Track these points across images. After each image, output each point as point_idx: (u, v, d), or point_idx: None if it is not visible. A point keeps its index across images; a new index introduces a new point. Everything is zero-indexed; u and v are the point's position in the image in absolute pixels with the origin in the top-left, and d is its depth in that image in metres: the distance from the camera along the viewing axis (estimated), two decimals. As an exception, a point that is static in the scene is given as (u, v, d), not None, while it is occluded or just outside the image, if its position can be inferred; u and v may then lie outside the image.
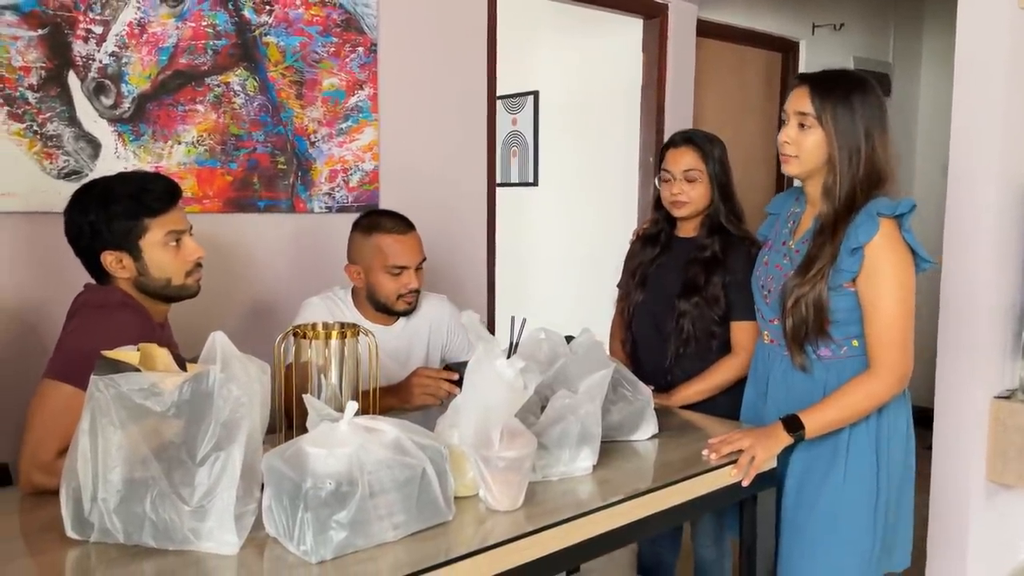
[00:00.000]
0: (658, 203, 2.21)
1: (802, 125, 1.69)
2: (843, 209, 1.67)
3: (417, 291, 2.02)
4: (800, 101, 1.70)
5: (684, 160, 2.09)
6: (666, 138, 2.27)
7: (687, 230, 2.16)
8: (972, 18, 2.59)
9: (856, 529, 1.70)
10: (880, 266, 1.62)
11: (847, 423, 1.68)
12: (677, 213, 2.12)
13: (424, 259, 2.03)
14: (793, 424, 1.65)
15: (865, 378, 1.66)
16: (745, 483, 1.62)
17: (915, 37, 4.83)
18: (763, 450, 1.63)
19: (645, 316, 2.16)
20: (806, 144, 1.69)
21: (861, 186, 1.67)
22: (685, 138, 2.15)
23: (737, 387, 2.10)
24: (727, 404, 2.06)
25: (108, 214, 1.56)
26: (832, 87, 1.69)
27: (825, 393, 1.71)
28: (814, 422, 1.65)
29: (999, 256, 2.62)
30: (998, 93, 2.55)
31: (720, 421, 1.93)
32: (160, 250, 1.59)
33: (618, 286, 2.30)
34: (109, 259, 1.57)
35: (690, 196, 2.08)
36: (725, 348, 2.09)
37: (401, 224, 2.01)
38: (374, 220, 2.02)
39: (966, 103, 2.61)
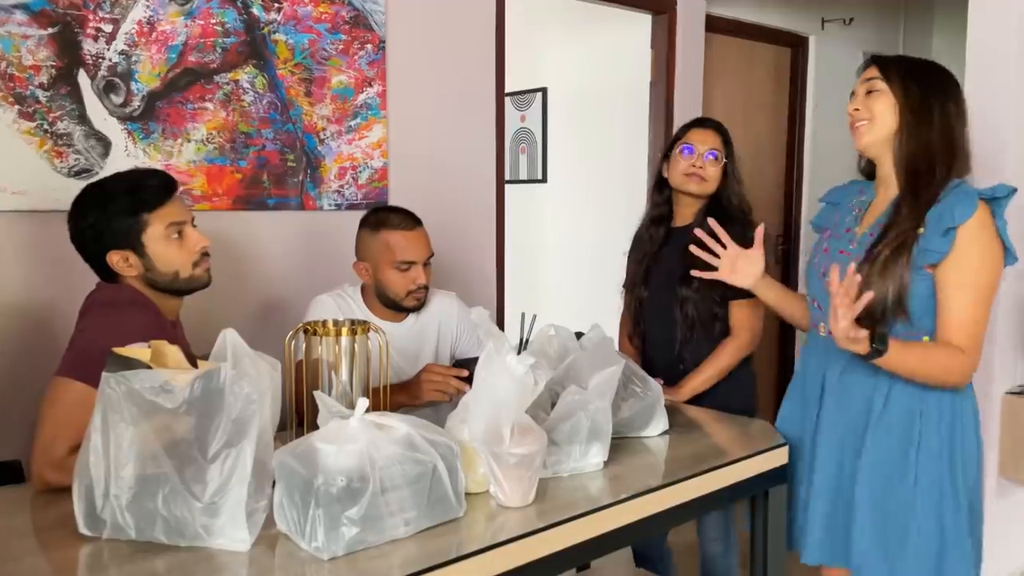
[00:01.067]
0: (659, 185, 2.23)
1: (870, 92, 1.63)
2: (924, 176, 1.57)
3: (426, 287, 2.02)
4: (868, 72, 1.65)
5: (709, 139, 2.15)
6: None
7: (685, 216, 2.18)
8: (983, 13, 2.57)
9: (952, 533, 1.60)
10: (972, 250, 1.51)
11: (916, 377, 1.55)
12: (689, 188, 2.13)
13: (432, 255, 2.03)
14: (881, 340, 1.49)
15: (954, 348, 1.53)
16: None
17: (925, 32, 4.80)
18: (851, 331, 1.45)
19: (652, 309, 2.20)
20: (876, 107, 1.61)
21: (939, 152, 1.58)
22: (709, 121, 2.22)
23: (749, 374, 2.15)
24: (728, 391, 2.10)
25: (107, 214, 1.56)
26: (900, 60, 1.66)
27: (887, 398, 1.60)
28: (899, 352, 1.50)
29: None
30: (1010, 87, 2.54)
31: (727, 416, 1.93)
32: (163, 244, 1.59)
33: (624, 286, 2.32)
34: (115, 259, 1.57)
35: (709, 174, 2.13)
36: (727, 331, 2.11)
37: (409, 220, 2.01)
38: (381, 216, 2.02)
39: (978, 97, 2.59)
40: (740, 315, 2.09)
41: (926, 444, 1.59)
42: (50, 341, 1.98)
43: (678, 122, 3.46)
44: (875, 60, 1.67)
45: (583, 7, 3.50)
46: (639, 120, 3.67)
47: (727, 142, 2.17)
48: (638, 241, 2.28)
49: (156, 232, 1.58)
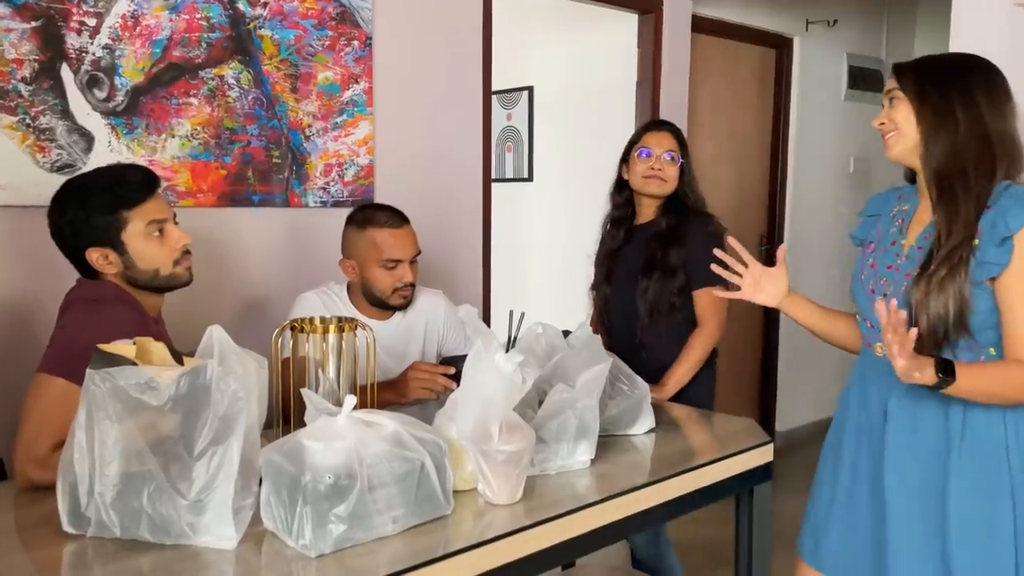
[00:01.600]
0: (619, 187, 2.32)
1: (891, 100, 1.56)
2: (956, 180, 1.47)
3: (412, 285, 2.01)
4: (889, 82, 1.59)
5: (666, 141, 2.23)
6: None
7: (646, 215, 2.27)
8: (966, 15, 2.60)
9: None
10: None
11: (989, 400, 1.44)
12: (650, 190, 2.22)
13: (419, 252, 2.03)
14: (946, 368, 1.39)
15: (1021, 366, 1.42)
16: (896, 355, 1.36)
17: (908, 34, 4.85)
18: (913, 366, 1.37)
19: (616, 304, 2.27)
20: (897, 117, 1.53)
21: (970, 152, 1.47)
22: (663, 123, 2.31)
23: (711, 363, 2.22)
24: (706, 382, 2.19)
25: (86, 211, 1.54)
26: (917, 62, 1.58)
27: (965, 414, 1.47)
28: (967, 378, 1.40)
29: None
30: (992, 89, 2.56)
31: (712, 415, 1.95)
32: (143, 241, 1.57)
33: (591, 288, 2.41)
34: (95, 256, 1.55)
35: (668, 175, 2.20)
36: (688, 320, 2.18)
37: (395, 217, 2.01)
38: (368, 214, 2.01)
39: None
40: (704, 303, 2.15)
41: (1017, 460, 1.46)
42: (31, 337, 1.96)
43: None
44: (894, 67, 1.59)
45: (570, 6, 3.50)
46: (625, 119, 3.67)
47: (682, 143, 2.25)
48: (602, 243, 2.37)
49: (136, 229, 1.56)
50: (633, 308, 2.18)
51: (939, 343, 1.45)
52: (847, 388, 1.67)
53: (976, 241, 1.43)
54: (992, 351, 1.46)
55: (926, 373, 1.37)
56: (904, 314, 1.36)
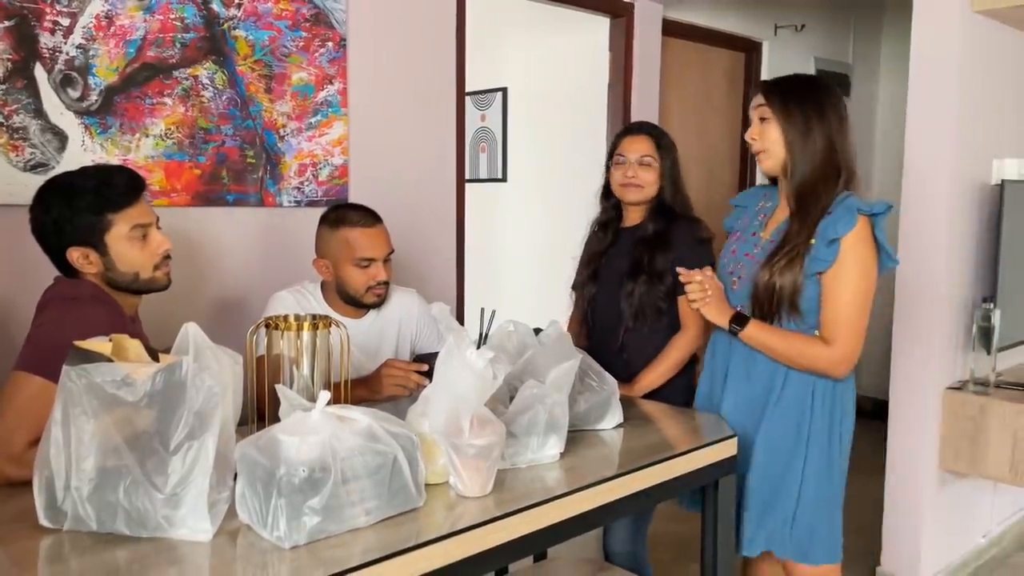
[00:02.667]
0: (606, 192, 2.32)
1: (762, 119, 1.84)
2: (809, 196, 1.78)
3: (386, 283, 2.04)
4: (757, 99, 1.85)
5: (640, 146, 2.22)
6: None
7: (633, 218, 2.27)
8: (926, 20, 2.67)
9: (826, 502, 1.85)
10: (849, 259, 1.73)
11: (776, 357, 1.82)
12: (628, 198, 2.23)
13: (392, 251, 2.05)
14: (740, 319, 1.82)
15: (820, 341, 1.78)
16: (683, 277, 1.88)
17: (874, 39, 4.95)
18: (711, 307, 1.85)
19: (600, 306, 2.27)
20: (769, 136, 1.82)
21: (820, 173, 1.78)
22: (639, 127, 2.30)
23: (690, 367, 2.23)
24: (684, 385, 2.20)
25: (71, 210, 1.54)
26: (782, 83, 1.86)
27: (786, 378, 1.83)
28: (757, 330, 1.81)
29: (952, 251, 2.71)
30: (951, 93, 2.64)
31: (679, 410, 1.99)
32: (126, 244, 1.58)
33: (572, 287, 2.39)
34: (75, 255, 1.57)
35: (644, 180, 2.20)
36: (673, 324, 2.19)
37: (368, 217, 2.03)
38: (341, 213, 2.04)
39: (921, 103, 2.70)
40: (688, 308, 2.15)
41: (816, 422, 1.82)
42: (5, 335, 1.96)
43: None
44: (763, 86, 1.86)
45: (543, 9, 3.55)
46: (597, 121, 3.72)
47: (660, 144, 2.23)
48: (588, 244, 2.37)
49: (120, 233, 1.57)
50: (617, 311, 2.19)
51: (771, 318, 1.80)
52: (706, 350, 2.04)
53: (813, 241, 1.75)
54: (816, 334, 1.79)
55: (725, 315, 1.83)
56: (695, 274, 1.86)
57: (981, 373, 2.77)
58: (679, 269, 1.92)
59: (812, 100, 1.80)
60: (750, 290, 1.83)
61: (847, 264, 1.73)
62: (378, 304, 2.07)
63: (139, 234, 1.60)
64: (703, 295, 1.85)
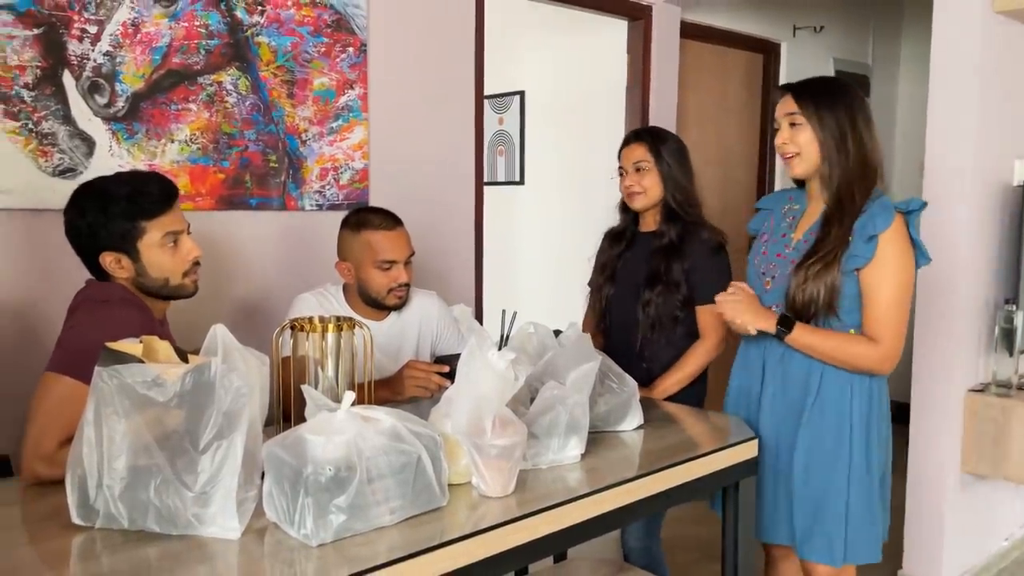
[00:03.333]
0: (624, 206, 2.36)
1: (793, 124, 1.84)
2: (846, 198, 1.79)
3: (407, 285, 2.06)
4: (786, 104, 1.85)
5: (634, 154, 2.26)
6: None
7: (648, 224, 2.30)
8: (947, 20, 2.66)
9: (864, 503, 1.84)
10: (888, 255, 1.75)
11: (823, 358, 1.81)
12: (634, 205, 2.26)
13: (413, 253, 2.08)
14: (786, 322, 1.80)
15: (865, 339, 1.78)
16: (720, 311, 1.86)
17: (894, 39, 4.92)
18: (747, 316, 1.81)
19: (616, 307, 2.29)
20: (801, 140, 1.83)
21: (856, 174, 1.80)
22: (635, 135, 2.33)
23: (703, 376, 2.25)
24: (696, 393, 2.21)
25: (106, 216, 1.57)
26: (811, 86, 1.86)
27: (822, 376, 1.82)
28: (803, 333, 1.79)
29: (974, 253, 2.69)
30: (972, 94, 2.63)
31: (700, 412, 2.01)
32: (158, 251, 1.61)
33: (588, 284, 2.42)
34: (108, 260, 1.60)
35: (642, 185, 2.23)
36: (690, 332, 2.20)
37: (389, 220, 2.05)
38: (362, 217, 2.06)
39: (942, 104, 2.68)
40: (707, 318, 2.17)
41: (856, 421, 1.82)
42: (35, 337, 2.00)
43: (653, 124, 3.54)
44: (790, 90, 1.87)
45: (561, 13, 3.56)
46: (615, 123, 3.73)
47: (655, 148, 2.24)
48: (606, 244, 2.39)
49: (152, 240, 1.60)
50: (633, 317, 2.20)
51: (809, 319, 1.80)
52: (736, 356, 2.01)
53: (850, 238, 1.76)
54: (853, 332, 1.80)
55: (767, 321, 1.80)
56: (743, 286, 1.86)
57: (1003, 375, 2.75)
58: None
59: (843, 102, 1.81)
60: (784, 290, 1.83)
61: (887, 261, 1.74)
62: (399, 306, 2.09)
63: (171, 241, 1.63)
64: (735, 309, 1.83)
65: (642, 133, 2.33)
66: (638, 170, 2.23)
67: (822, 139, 1.80)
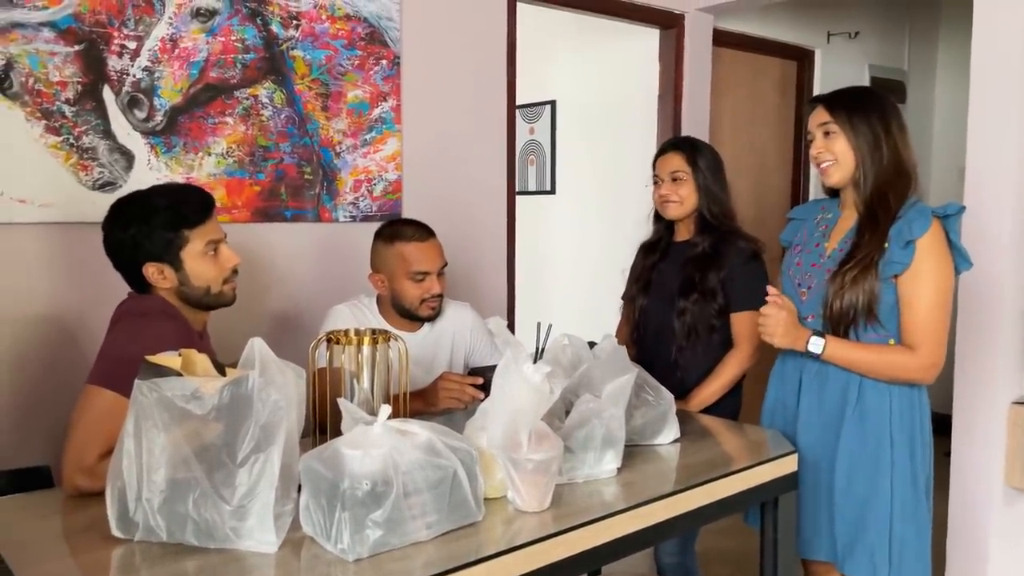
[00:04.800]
0: (657, 215, 2.35)
1: (827, 134, 1.83)
2: (880, 204, 1.78)
3: (440, 296, 2.06)
4: (819, 115, 1.85)
5: (670, 164, 2.24)
6: None
7: (682, 234, 2.28)
8: (988, 25, 2.61)
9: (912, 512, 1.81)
10: (926, 261, 1.72)
11: (863, 372, 1.78)
12: (668, 214, 2.25)
13: (445, 264, 2.08)
14: (816, 341, 1.76)
15: (904, 349, 1.75)
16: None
17: (931, 45, 4.85)
18: (785, 340, 1.77)
19: (651, 317, 2.28)
20: (837, 149, 1.82)
21: (891, 180, 1.78)
22: (671, 144, 2.32)
23: (738, 385, 2.22)
24: (732, 403, 2.20)
25: (149, 227, 1.59)
26: (844, 97, 1.86)
27: (860, 386, 1.79)
28: (837, 348, 1.76)
29: (1017, 261, 2.63)
30: (1015, 98, 2.57)
31: (737, 425, 1.97)
32: (200, 260, 1.63)
33: (623, 297, 2.41)
34: (151, 271, 1.62)
35: (679, 195, 2.22)
36: (726, 341, 2.18)
37: (421, 231, 2.06)
38: (395, 229, 2.07)
39: (983, 108, 2.63)
40: (742, 326, 2.15)
41: (897, 432, 1.78)
42: (75, 350, 2.03)
43: (686, 133, 3.52)
44: (821, 101, 1.86)
45: (592, 22, 3.55)
46: (647, 133, 3.71)
47: (692, 158, 2.22)
48: (640, 256, 2.38)
49: (195, 248, 1.63)
50: (668, 327, 2.19)
51: (847, 327, 1.77)
52: (772, 369, 1.98)
53: (886, 245, 1.74)
54: (892, 343, 1.77)
55: (799, 339, 1.77)
56: (781, 299, 1.79)
57: (1046, 387, 2.68)
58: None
59: (875, 109, 1.81)
60: (822, 299, 1.81)
61: (925, 267, 1.72)
62: (433, 317, 2.09)
63: (211, 250, 1.65)
64: (773, 327, 1.78)
65: (679, 143, 2.31)
66: (674, 180, 2.22)
67: (856, 145, 1.79)
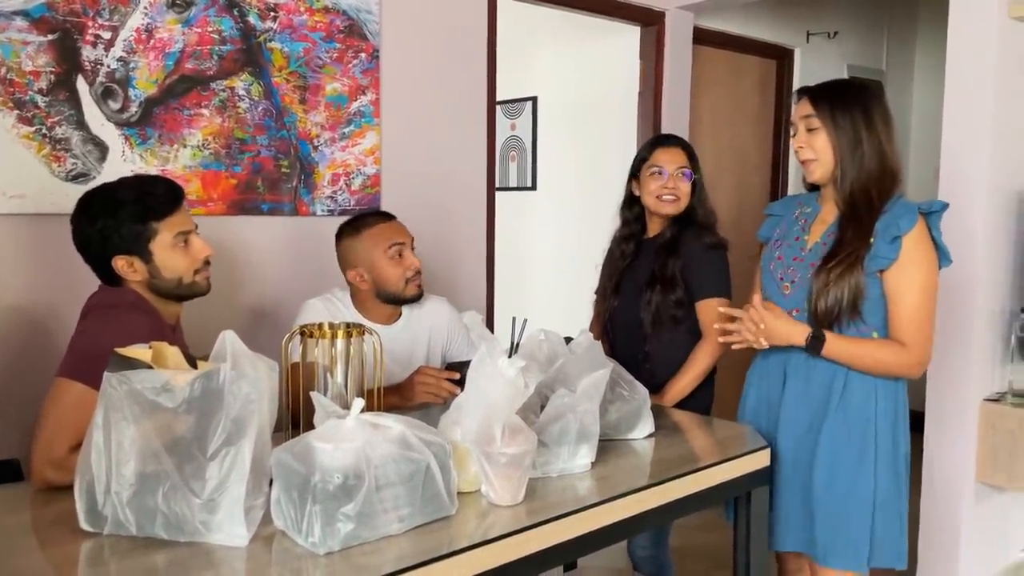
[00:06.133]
0: (629, 203, 2.31)
1: (810, 129, 1.81)
2: (862, 201, 1.77)
3: (420, 272, 2.06)
4: (802, 108, 1.83)
5: (677, 158, 2.22)
6: None
7: (656, 229, 2.27)
8: (963, 27, 2.64)
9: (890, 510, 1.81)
10: (913, 257, 1.73)
11: (853, 366, 1.77)
12: (666, 210, 2.21)
13: (413, 239, 2.09)
14: (815, 339, 1.75)
15: (895, 344, 1.75)
16: (728, 340, 1.84)
17: (908, 45, 4.89)
18: (779, 338, 1.77)
19: (621, 316, 2.27)
20: (818, 144, 1.81)
21: (873, 177, 1.77)
22: (673, 138, 2.29)
23: (711, 375, 2.23)
24: (706, 393, 2.20)
25: (116, 220, 1.58)
26: (828, 91, 1.84)
27: (847, 379, 1.79)
28: (836, 345, 1.75)
29: (990, 261, 2.66)
30: (988, 100, 2.60)
31: (711, 420, 1.98)
32: (170, 251, 1.62)
33: (595, 293, 2.40)
34: (120, 263, 1.60)
35: (682, 192, 2.20)
36: (692, 331, 2.18)
37: (381, 215, 2.11)
38: (357, 220, 2.09)
39: (957, 110, 2.66)
40: (707, 315, 2.14)
41: (881, 424, 1.79)
42: (47, 342, 2.01)
43: (665, 131, 3.53)
44: (807, 93, 1.84)
45: (574, 18, 3.56)
46: (627, 129, 3.72)
47: (692, 156, 2.24)
48: (611, 255, 2.36)
49: (164, 240, 1.61)
50: (638, 320, 2.19)
51: (832, 323, 1.76)
52: (752, 366, 1.97)
53: (872, 240, 1.74)
54: (875, 335, 1.78)
55: (794, 336, 1.76)
56: (766, 304, 1.81)
57: (1020, 385, 2.71)
58: (720, 309, 1.91)
59: (860, 106, 1.79)
60: (806, 293, 1.80)
61: (912, 263, 1.72)
62: (418, 296, 2.08)
63: (181, 241, 1.64)
64: (756, 333, 1.78)
65: (678, 138, 2.30)
66: (686, 176, 2.21)
67: (836, 142, 1.78)
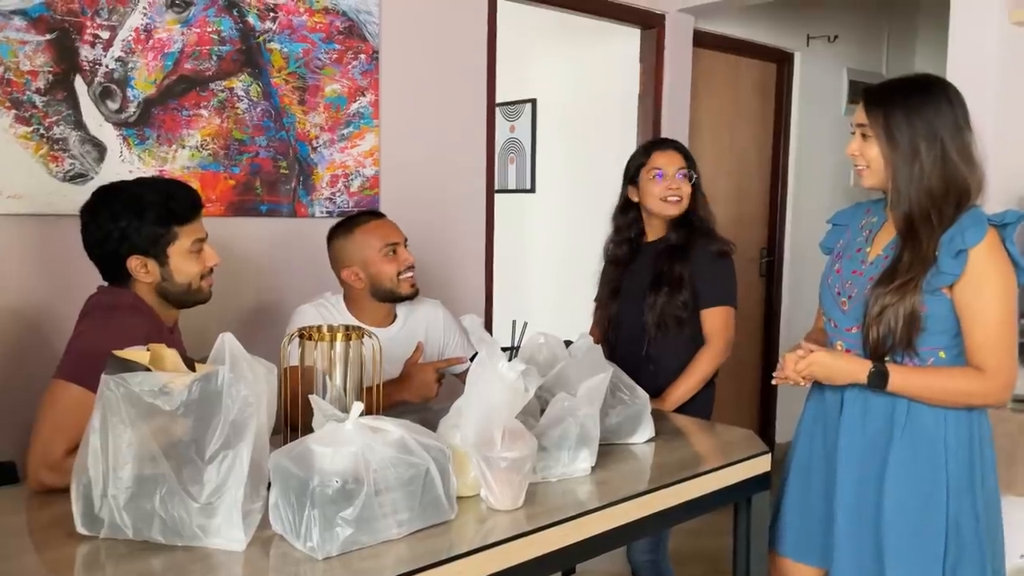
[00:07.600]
0: (624, 208, 2.29)
1: (864, 136, 1.65)
2: (922, 220, 1.59)
3: (413, 267, 2.05)
4: (859, 114, 1.66)
5: (677, 160, 2.22)
6: None
7: (656, 232, 2.26)
8: (963, 31, 2.64)
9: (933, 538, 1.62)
10: (986, 271, 1.55)
11: (926, 400, 1.60)
12: (669, 212, 2.21)
13: (406, 238, 2.08)
14: (878, 375, 1.58)
15: (975, 371, 1.57)
16: (774, 381, 1.69)
17: (908, 49, 4.89)
18: (840, 378, 1.63)
19: (623, 321, 2.27)
20: (871, 155, 1.64)
21: (936, 194, 1.58)
22: (671, 142, 2.29)
23: (712, 380, 2.22)
24: (706, 398, 2.19)
25: (140, 220, 1.58)
26: (885, 93, 1.65)
27: (910, 405, 1.62)
28: (902, 379, 1.58)
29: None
30: (989, 106, 2.60)
31: (712, 425, 1.98)
32: (185, 257, 1.64)
33: (595, 300, 2.40)
34: (135, 264, 1.60)
35: (684, 193, 2.20)
36: (695, 336, 2.17)
37: (373, 214, 2.11)
38: (349, 221, 2.08)
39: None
40: (713, 321, 2.15)
41: (952, 452, 1.61)
42: (44, 343, 1.99)
43: (665, 134, 3.53)
44: (865, 97, 1.67)
45: (573, 21, 3.55)
46: (627, 132, 3.72)
47: (690, 159, 2.24)
48: (609, 260, 2.35)
49: (183, 245, 1.63)
50: (641, 323, 2.18)
51: (885, 353, 1.61)
52: (811, 390, 1.82)
53: (936, 254, 1.57)
54: (943, 354, 1.61)
55: (854, 373, 1.60)
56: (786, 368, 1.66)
57: (1020, 390, 2.71)
58: (775, 374, 1.72)
59: (921, 114, 1.59)
60: (862, 310, 1.64)
61: (985, 279, 1.54)
62: (414, 294, 2.07)
63: (197, 248, 1.66)
64: (799, 373, 1.64)
65: (675, 142, 2.30)
66: (687, 178, 2.20)
67: (889, 156, 1.60)
